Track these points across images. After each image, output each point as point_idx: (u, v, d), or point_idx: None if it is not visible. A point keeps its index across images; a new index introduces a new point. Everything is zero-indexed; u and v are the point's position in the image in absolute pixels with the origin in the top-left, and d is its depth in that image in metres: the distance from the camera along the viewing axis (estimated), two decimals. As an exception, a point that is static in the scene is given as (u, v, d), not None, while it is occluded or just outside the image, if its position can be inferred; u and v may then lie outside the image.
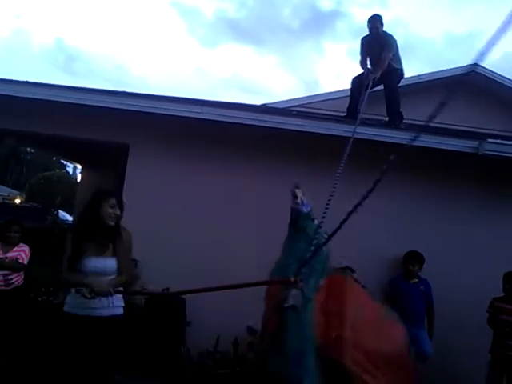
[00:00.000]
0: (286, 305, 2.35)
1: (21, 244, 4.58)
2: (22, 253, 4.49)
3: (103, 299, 2.87)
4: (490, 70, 8.74)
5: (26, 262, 4.49)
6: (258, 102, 9.82)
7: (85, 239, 2.95)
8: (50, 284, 5.14)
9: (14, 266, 4.42)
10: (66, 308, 2.98)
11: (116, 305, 3.01)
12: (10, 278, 4.41)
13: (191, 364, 4.59)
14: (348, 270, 4.12)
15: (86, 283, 2.79)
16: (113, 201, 3.01)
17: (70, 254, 2.92)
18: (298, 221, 2.82)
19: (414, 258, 4.84)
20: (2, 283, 4.37)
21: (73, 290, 2.96)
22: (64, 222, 12.94)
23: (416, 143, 5.11)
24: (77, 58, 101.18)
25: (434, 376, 4.75)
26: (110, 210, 2.97)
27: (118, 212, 3.02)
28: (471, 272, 4.90)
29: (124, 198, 5.44)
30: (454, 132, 5.81)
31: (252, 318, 3.21)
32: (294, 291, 2.36)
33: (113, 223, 2.98)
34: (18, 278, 4.49)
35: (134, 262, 5.01)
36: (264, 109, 7.08)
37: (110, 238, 3.01)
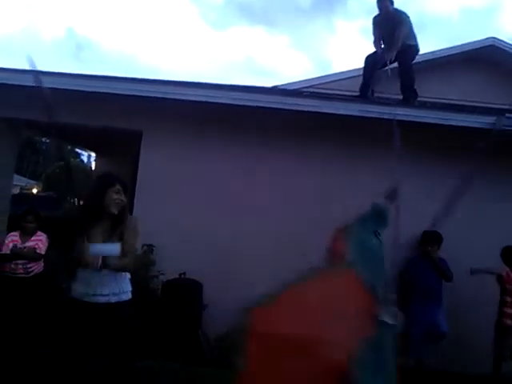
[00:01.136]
0: (380, 318, 1.99)
1: (38, 233, 4.64)
2: (39, 242, 4.57)
3: (113, 286, 2.83)
4: (509, 44, 8.49)
5: (43, 251, 4.56)
6: (270, 84, 9.70)
7: (90, 226, 2.85)
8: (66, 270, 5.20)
9: (31, 255, 4.50)
10: (72, 294, 2.88)
11: (125, 290, 2.93)
12: (28, 266, 4.51)
13: (209, 347, 4.64)
14: None
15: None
16: (118, 186, 2.88)
17: (75, 240, 2.82)
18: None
19: (432, 239, 4.74)
20: (22, 271, 4.48)
21: (79, 276, 2.88)
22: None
23: (432, 120, 5.00)
24: (87, 46, 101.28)
25: (448, 353, 4.74)
26: (115, 196, 2.85)
27: (123, 198, 2.90)
28: (490, 251, 4.80)
29: (137, 185, 5.47)
30: (470, 108, 5.67)
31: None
32: (392, 308, 2.05)
33: (116, 211, 2.86)
34: (36, 266, 4.58)
35: (149, 247, 5.06)
36: (280, 91, 6.99)
37: (115, 223, 2.89)
